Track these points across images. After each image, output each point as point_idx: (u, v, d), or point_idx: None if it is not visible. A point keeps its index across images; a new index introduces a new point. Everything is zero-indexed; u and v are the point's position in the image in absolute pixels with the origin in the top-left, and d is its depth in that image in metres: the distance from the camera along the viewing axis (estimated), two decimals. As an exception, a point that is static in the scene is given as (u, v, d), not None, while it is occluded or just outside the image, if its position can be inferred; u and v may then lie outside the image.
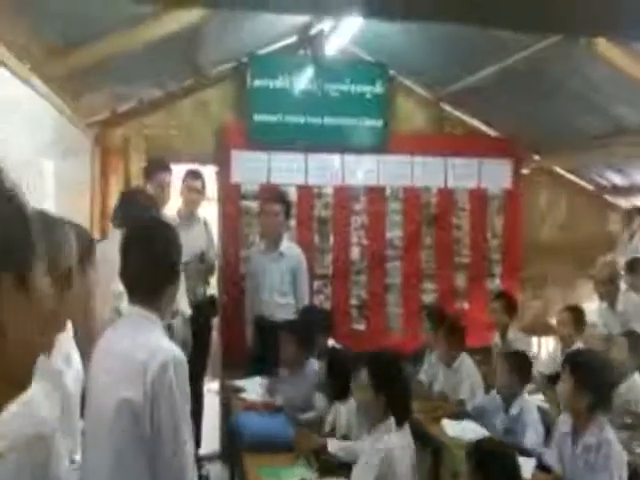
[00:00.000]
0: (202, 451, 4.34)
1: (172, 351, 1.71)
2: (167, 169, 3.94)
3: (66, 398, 1.71)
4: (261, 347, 4.27)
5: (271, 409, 3.42)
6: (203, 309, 4.34)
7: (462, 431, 3.24)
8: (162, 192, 3.90)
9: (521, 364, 3.43)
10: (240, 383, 3.93)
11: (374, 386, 2.44)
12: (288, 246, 4.44)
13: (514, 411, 3.32)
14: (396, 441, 2.33)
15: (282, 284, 4.31)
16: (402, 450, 2.32)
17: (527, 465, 2.74)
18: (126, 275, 1.84)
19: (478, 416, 3.48)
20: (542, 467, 2.81)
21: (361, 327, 5.08)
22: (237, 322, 4.66)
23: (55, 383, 1.40)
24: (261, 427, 3.15)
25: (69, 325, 1.84)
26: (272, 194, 4.60)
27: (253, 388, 3.84)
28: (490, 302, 4.72)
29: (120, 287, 2.33)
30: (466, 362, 4.00)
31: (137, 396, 1.61)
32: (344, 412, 3.11)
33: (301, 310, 4.27)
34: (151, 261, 1.80)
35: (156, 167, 3.95)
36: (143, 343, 1.70)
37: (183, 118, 4.89)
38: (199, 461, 4.37)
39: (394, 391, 2.44)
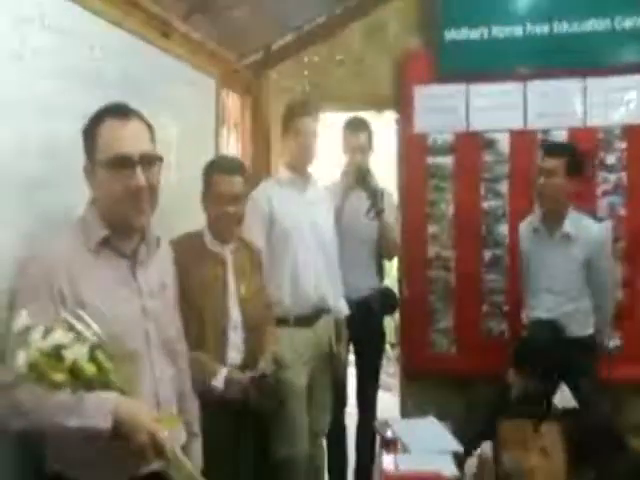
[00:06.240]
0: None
1: None
2: (308, 113, 2.82)
3: None
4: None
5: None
6: (373, 305, 3.28)
7: None
8: (303, 144, 2.79)
9: None
10: (396, 426, 2.56)
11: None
12: (578, 223, 2.85)
13: None
14: None
15: (569, 280, 2.81)
16: None
17: None
18: None
19: None
20: None
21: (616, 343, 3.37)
22: (421, 322, 3.51)
23: None
24: None
25: None
26: (550, 145, 3.17)
27: (416, 442, 2.42)
28: None
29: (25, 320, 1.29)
30: None
31: None
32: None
33: None
34: None
35: (292, 113, 2.86)
36: None
37: (351, 49, 3.72)
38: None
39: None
